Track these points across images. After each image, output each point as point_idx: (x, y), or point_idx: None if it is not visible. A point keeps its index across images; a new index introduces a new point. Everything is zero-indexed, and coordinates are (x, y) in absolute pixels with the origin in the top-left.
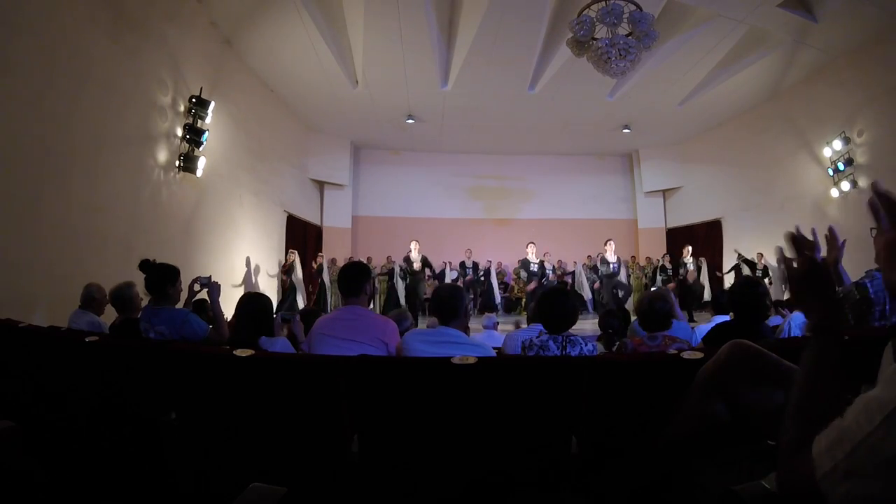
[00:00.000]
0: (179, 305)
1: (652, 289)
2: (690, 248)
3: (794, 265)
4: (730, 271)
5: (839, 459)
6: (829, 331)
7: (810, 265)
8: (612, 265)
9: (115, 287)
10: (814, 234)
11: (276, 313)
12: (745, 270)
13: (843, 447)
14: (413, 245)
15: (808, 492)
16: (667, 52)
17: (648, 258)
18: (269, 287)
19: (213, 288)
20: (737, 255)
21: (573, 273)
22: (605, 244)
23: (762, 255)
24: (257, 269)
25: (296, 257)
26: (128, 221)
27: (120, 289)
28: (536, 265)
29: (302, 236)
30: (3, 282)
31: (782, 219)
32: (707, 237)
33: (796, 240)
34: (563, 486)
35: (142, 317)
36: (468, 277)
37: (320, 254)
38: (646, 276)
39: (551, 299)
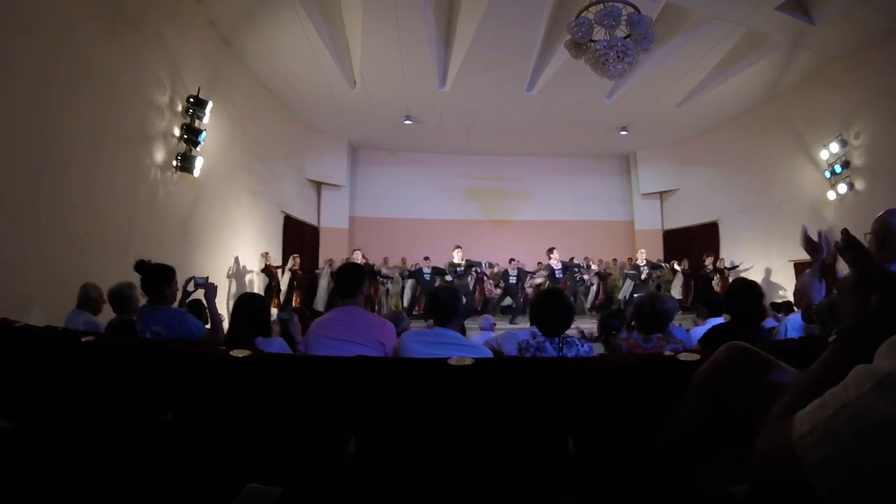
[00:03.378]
0: (174, 306)
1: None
2: (644, 251)
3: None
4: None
5: (818, 421)
6: (852, 339)
7: (860, 275)
8: (557, 272)
9: (115, 286)
10: (820, 235)
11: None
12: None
13: (825, 410)
14: (357, 255)
15: (781, 454)
16: (665, 54)
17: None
18: (265, 287)
19: (210, 289)
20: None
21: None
22: (549, 252)
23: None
24: (249, 268)
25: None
26: (125, 221)
27: (120, 288)
28: (463, 268)
29: (299, 237)
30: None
31: (779, 221)
32: (704, 239)
33: (854, 243)
34: (560, 487)
35: (138, 317)
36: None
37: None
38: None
39: (546, 301)
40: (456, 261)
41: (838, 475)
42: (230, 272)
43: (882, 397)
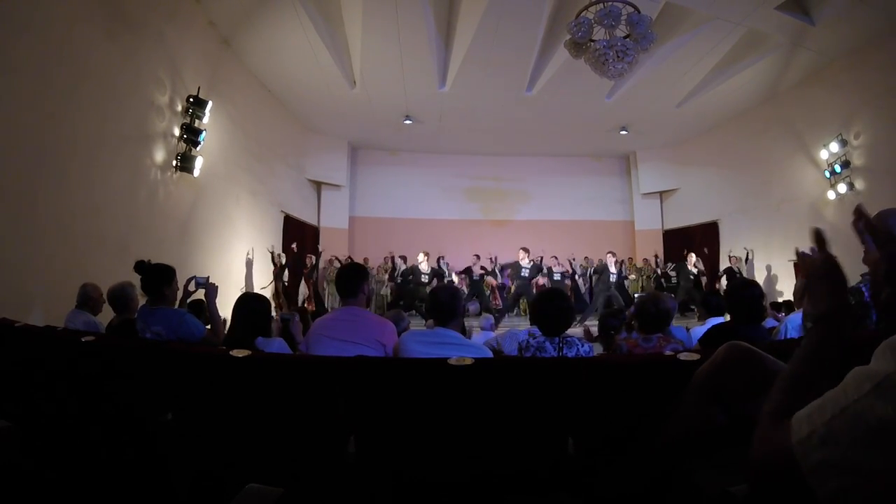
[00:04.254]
0: (175, 306)
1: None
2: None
3: (813, 258)
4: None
5: (818, 425)
6: (829, 324)
7: (827, 260)
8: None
9: (115, 286)
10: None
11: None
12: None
13: (823, 414)
14: (422, 258)
15: (780, 458)
16: (664, 54)
17: (645, 260)
18: (265, 287)
19: (211, 289)
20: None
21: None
22: (607, 254)
23: (730, 257)
24: (252, 267)
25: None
26: (125, 221)
27: (120, 288)
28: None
29: (299, 237)
30: None
31: (779, 221)
32: (704, 239)
33: (820, 236)
34: (560, 488)
35: (138, 317)
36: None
37: (310, 255)
38: (644, 277)
39: (546, 301)
40: (525, 262)
41: (838, 479)
42: (228, 269)
43: (881, 399)
